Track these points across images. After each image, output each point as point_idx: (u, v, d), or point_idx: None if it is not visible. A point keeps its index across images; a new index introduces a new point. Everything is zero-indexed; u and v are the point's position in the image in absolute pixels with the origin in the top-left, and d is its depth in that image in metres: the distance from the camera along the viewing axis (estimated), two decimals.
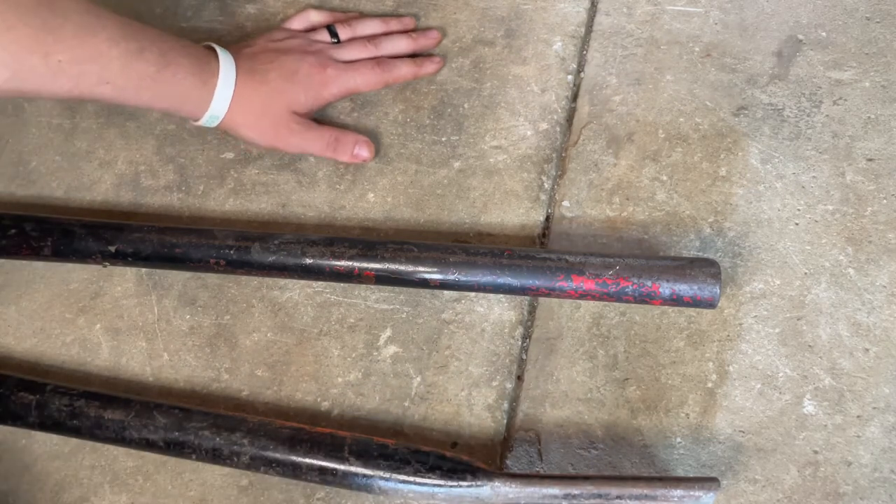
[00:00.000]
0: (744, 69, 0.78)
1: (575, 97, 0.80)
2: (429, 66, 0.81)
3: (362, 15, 0.85)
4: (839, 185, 0.72)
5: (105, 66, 0.65)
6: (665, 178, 0.75)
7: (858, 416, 0.64)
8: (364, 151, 0.77)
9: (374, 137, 0.80)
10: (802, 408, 0.65)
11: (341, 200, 0.78)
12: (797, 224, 0.71)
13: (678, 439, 0.65)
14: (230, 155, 0.82)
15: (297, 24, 0.83)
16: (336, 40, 0.81)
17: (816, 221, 0.71)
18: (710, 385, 0.66)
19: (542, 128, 0.78)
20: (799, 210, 0.72)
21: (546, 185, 0.76)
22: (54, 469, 0.70)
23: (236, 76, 0.74)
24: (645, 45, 0.81)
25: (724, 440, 0.64)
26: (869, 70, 0.76)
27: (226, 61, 0.74)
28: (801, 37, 0.79)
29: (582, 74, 0.80)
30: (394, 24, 0.83)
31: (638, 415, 0.66)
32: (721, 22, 0.81)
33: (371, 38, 0.81)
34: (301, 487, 0.67)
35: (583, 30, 0.82)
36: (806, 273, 0.69)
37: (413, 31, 0.84)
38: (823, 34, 0.78)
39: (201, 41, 0.89)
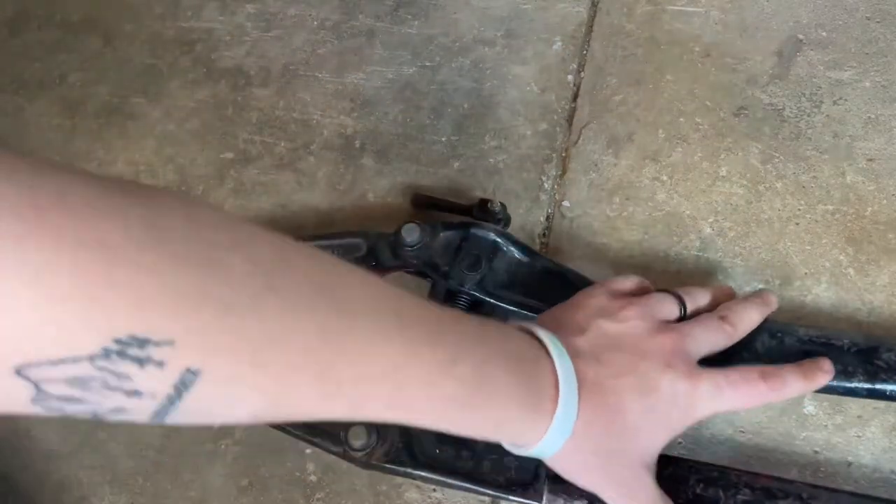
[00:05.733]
0: (744, 69, 0.78)
1: (575, 97, 0.80)
2: (819, 376, 0.57)
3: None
4: (839, 185, 0.72)
5: (399, 388, 0.43)
6: (665, 178, 0.75)
7: (859, 417, 0.64)
8: None
9: (373, 137, 0.80)
10: (803, 408, 0.65)
11: (341, 200, 0.78)
12: (797, 224, 0.71)
13: (678, 439, 0.65)
14: (230, 155, 0.82)
15: (624, 285, 0.60)
16: (682, 314, 0.58)
17: (817, 221, 0.71)
18: None
19: (542, 128, 0.78)
20: (799, 210, 0.72)
21: (546, 186, 0.76)
22: (54, 469, 0.70)
23: (579, 397, 0.50)
24: (645, 45, 0.81)
25: (724, 440, 0.64)
26: (869, 70, 0.76)
27: (566, 375, 0.50)
28: (801, 36, 0.79)
29: (582, 74, 0.80)
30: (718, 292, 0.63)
31: None
32: (721, 22, 0.80)
33: (717, 312, 0.59)
34: (301, 487, 0.67)
35: (583, 30, 0.82)
36: (806, 273, 0.69)
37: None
38: (824, 34, 0.78)
39: (200, 41, 0.89)
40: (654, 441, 0.54)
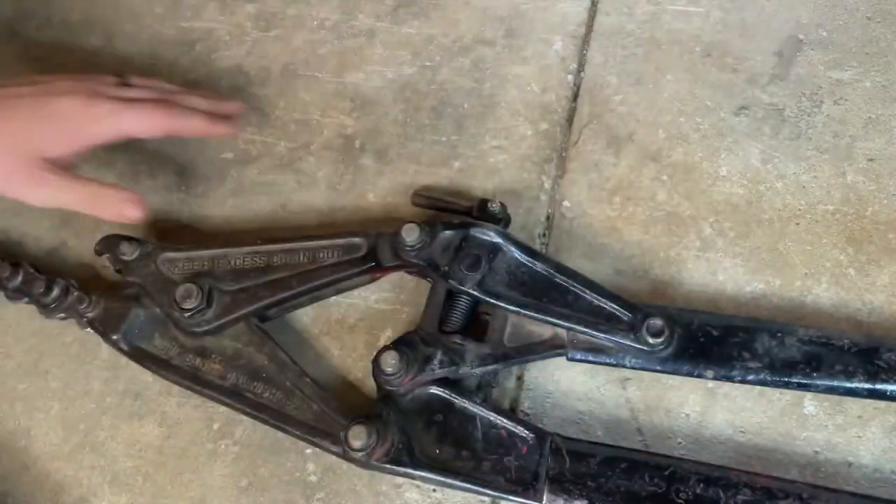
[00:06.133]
0: (744, 69, 0.78)
1: (575, 97, 0.80)
2: (223, 128, 0.73)
3: None
4: (840, 185, 0.72)
5: None
6: (665, 177, 0.75)
7: (859, 417, 0.64)
8: (132, 211, 0.66)
9: (373, 137, 0.80)
10: (803, 408, 0.65)
11: (341, 200, 0.78)
12: (798, 224, 0.71)
13: (678, 440, 0.65)
14: (230, 155, 0.81)
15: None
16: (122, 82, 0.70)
17: (817, 221, 0.71)
18: (710, 385, 0.66)
19: (543, 128, 0.78)
20: (800, 210, 0.72)
21: (546, 186, 0.76)
22: (54, 469, 0.70)
23: None
24: (645, 45, 0.81)
25: (724, 440, 0.64)
26: (870, 70, 0.76)
27: None
28: (801, 36, 0.79)
29: (582, 74, 0.80)
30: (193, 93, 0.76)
31: (638, 415, 0.66)
32: (722, 21, 0.80)
33: (166, 91, 0.72)
34: (301, 487, 0.67)
35: (583, 29, 0.82)
36: (806, 273, 0.69)
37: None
38: (824, 34, 0.78)
39: (200, 41, 0.89)
40: (53, 146, 0.64)
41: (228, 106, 0.76)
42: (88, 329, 0.71)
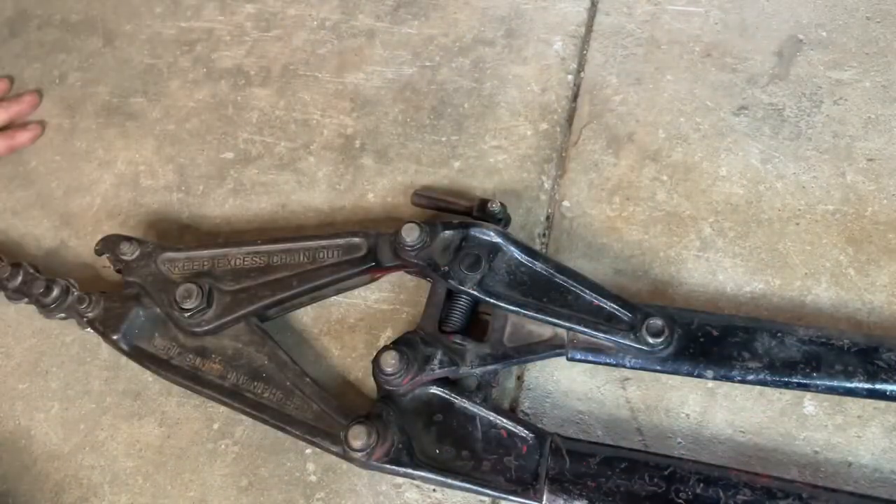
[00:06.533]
0: (744, 69, 0.78)
1: (575, 97, 0.80)
2: (22, 137, 0.79)
3: None
4: (839, 185, 0.72)
5: None
6: (665, 177, 0.75)
7: (859, 417, 0.64)
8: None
9: (373, 137, 0.80)
10: (803, 408, 0.65)
11: (341, 200, 0.78)
12: (797, 224, 0.71)
13: (678, 440, 0.65)
14: (230, 155, 0.81)
15: None
16: None
17: (817, 221, 0.71)
18: (710, 385, 0.66)
19: (543, 128, 0.78)
20: (799, 210, 0.72)
21: (546, 185, 0.76)
22: (54, 469, 0.70)
23: None
24: (645, 45, 0.81)
25: (724, 440, 0.64)
26: (869, 70, 0.76)
27: None
28: (801, 37, 0.79)
29: (582, 74, 0.80)
30: None
31: (638, 415, 0.66)
32: (721, 22, 0.81)
33: None
34: (301, 487, 0.67)
35: (583, 29, 0.82)
36: (806, 273, 0.69)
37: (2, 99, 0.82)
38: (824, 34, 0.78)
39: (200, 41, 0.89)
40: None
41: (23, 104, 0.79)
42: (88, 329, 0.71)
